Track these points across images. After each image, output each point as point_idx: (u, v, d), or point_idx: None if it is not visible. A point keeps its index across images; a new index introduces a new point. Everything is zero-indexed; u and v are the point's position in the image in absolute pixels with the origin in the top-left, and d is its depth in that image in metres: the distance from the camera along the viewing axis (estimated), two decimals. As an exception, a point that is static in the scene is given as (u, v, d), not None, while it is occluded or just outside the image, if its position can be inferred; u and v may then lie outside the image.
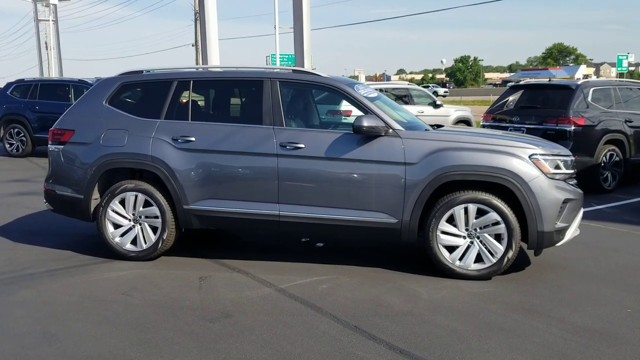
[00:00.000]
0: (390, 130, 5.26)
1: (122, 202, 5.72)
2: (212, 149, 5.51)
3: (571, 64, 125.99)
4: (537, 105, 10.23)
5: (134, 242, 5.73)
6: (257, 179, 5.44)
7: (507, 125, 10.36)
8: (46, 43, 44.30)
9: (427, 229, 5.21)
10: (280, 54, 28.71)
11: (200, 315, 4.35)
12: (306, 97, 6.18)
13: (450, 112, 16.14)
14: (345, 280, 5.14)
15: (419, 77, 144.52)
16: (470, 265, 5.18)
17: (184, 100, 5.82)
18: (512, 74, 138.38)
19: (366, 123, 5.15)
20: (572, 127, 9.51)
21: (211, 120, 5.70)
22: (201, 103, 5.90)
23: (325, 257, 5.82)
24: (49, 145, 6.02)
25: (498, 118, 10.78)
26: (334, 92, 5.58)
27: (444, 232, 5.20)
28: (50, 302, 4.62)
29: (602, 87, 10.27)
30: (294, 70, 5.73)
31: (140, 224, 5.71)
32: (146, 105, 5.88)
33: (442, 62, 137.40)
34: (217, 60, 18.66)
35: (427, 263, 5.36)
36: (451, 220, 5.20)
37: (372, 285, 5.03)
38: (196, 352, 3.72)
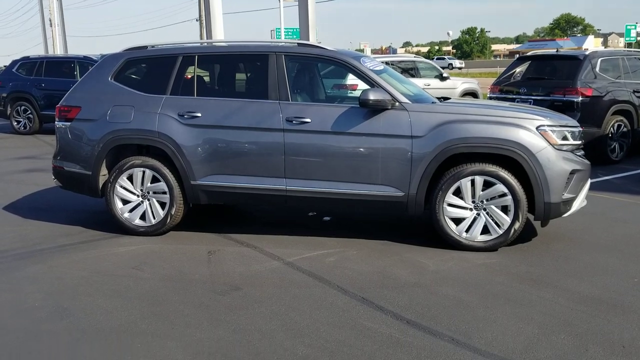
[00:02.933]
0: (397, 103, 5.24)
1: (130, 178, 5.75)
2: (218, 124, 5.51)
3: (579, 35, 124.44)
4: (545, 76, 10.15)
5: (143, 217, 5.77)
6: (264, 154, 5.45)
7: (514, 97, 10.29)
8: (50, 20, 44.07)
9: (433, 201, 5.22)
10: (285, 28, 28.49)
11: (210, 288, 4.40)
12: (312, 71, 6.16)
13: (457, 84, 16.02)
14: (353, 253, 5.18)
15: (425, 49, 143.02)
16: (477, 237, 5.21)
17: (189, 76, 5.81)
18: (519, 45, 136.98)
19: (372, 96, 5.13)
20: (580, 98, 9.44)
21: (217, 96, 5.70)
22: (207, 78, 5.89)
23: (332, 231, 5.85)
24: (56, 122, 6.04)
25: (505, 90, 10.70)
26: (340, 65, 5.56)
27: (450, 205, 5.21)
28: (61, 277, 4.68)
29: (610, 57, 10.16)
30: (299, 44, 5.70)
31: (148, 200, 5.75)
32: (152, 81, 5.88)
33: (448, 34, 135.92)
34: (222, 35, 18.54)
35: (434, 236, 5.39)
36: (457, 193, 5.20)
37: (378, 257, 5.06)
38: (206, 324, 3.77)
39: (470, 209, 5.21)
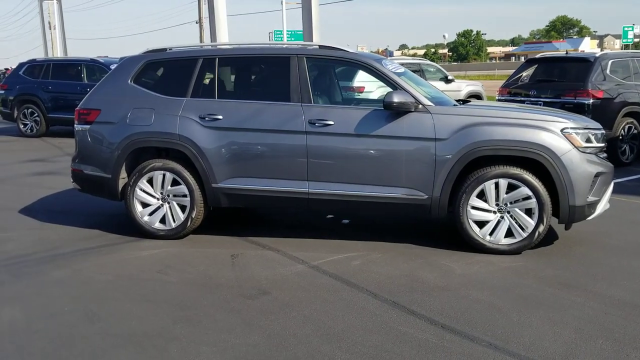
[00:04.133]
0: (420, 106, 5.23)
1: (150, 181, 5.72)
2: (239, 126, 5.49)
3: (575, 37, 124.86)
4: (555, 78, 10.16)
5: (163, 220, 5.74)
6: (286, 157, 5.43)
7: (523, 99, 10.29)
8: (49, 22, 44.02)
9: (457, 204, 5.20)
10: (287, 30, 28.47)
11: (238, 292, 4.37)
12: (331, 73, 6.14)
13: (462, 87, 16.04)
14: (377, 257, 5.16)
15: (421, 52, 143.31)
16: (501, 240, 5.19)
17: (210, 79, 5.78)
18: (515, 47, 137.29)
19: (396, 99, 5.12)
20: (591, 100, 9.45)
21: (238, 98, 5.67)
22: (227, 81, 5.86)
23: (353, 234, 5.83)
24: (75, 125, 6.02)
25: (514, 92, 10.71)
26: (362, 68, 5.54)
27: (474, 208, 5.20)
28: (87, 281, 4.65)
29: (620, 59, 10.18)
30: (320, 46, 5.68)
31: (168, 203, 5.72)
32: (172, 83, 5.85)
33: (444, 36, 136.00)
34: (226, 37, 18.54)
35: (457, 238, 5.37)
36: (481, 196, 5.19)
37: (404, 261, 5.04)
38: (240, 329, 3.75)
39: (494, 212, 5.20)
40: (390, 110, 5.18)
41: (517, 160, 5.15)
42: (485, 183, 5.14)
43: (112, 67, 13.63)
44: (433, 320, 3.84)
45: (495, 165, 5.14)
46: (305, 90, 5.44)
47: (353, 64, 5.58)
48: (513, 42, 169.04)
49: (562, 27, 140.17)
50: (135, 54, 6.11)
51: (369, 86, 13.42)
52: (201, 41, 47.72)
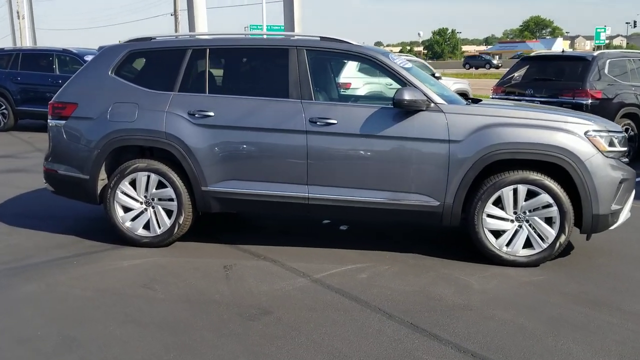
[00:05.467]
0: (432, 104, 4.79)
1: (133, 184, 5.19)
2: (233, 125, 5.00)
3: (548, 37, 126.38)
4: (552, 77, 9.83)
5: (147, 226, 5.22)
6: (284, 158, 4.95)
7: (519, 98, 9.95)
8: (18, 12, 42.63)
9: (471, 212, 4.78)
10: (267, 25, 27.77)
11: (236, 311, 3.88)
12: (332, 68, 5.66)
13: (449, 84, 15.66)
14: (384, 269, 4.71)
15: (396, 49, 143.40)
16: (519, 251, 4.79)
17: (200, 72, 5.27)
18: (489, 47, 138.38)
19: (408, 96, 4.67)
20: (589, 101, 9.16)
21: (231, 93, 5.16)
22: (219, 74, 5.34)
23: (353, 242, 5.38)
24: (48, 120, 5.45)
25: (509, 91, 10.37)
26: (368, 62, 5.08)
27: (490, 216, 4.78)
28: (63, 298, 4.11)
29: (618, 58, 9.91)
30: (322, 38, 5.19)
31: (153, 207, 5.20)
32: (157, 76, 5.32)
33: (419, 34, 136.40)
34: (205, 30, 17.92)
35: (466, 248, 4.98)
36: (497, 203, 4.78)
37: (414, 274, 4.61)
38: (243, 358, 3.26)
39: (512, 221, 4.79)
40: (400, 109, 4.73)
41: (536, 165, 4.75)
42: (502, 189, 4.72)
43: (87, 58, 13.04)
44: (461, 347, 3.41)
45: (513, 170, 4.73)
46: (305, 86, 4.96)
47: (358, 57, 5.12)
48: (487, 41, 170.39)
49: (535, 27, 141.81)
50: (116, 43, 5.55)
51: (355, 83, 13.00)
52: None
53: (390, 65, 4.97)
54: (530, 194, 4.73)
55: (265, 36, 5.32)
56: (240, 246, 5.28)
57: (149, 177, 5.15)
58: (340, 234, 5.75)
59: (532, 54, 10.73)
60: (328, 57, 5.42)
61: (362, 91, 11.90)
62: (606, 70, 9.49)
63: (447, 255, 5.03)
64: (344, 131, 4.84)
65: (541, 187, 4.68)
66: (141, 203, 5.22)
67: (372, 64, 5.04)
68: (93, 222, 5.96)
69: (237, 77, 5.40)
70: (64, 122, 5.31)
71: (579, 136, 4.68)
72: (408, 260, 4.92)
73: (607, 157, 4.72)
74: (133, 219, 5.23)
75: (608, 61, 9.60)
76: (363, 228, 5.89)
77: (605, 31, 57.69)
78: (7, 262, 4.80)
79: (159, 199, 5.18)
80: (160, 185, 5.16)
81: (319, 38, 5.20)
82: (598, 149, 4.68)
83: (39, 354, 3.31)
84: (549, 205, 4.70)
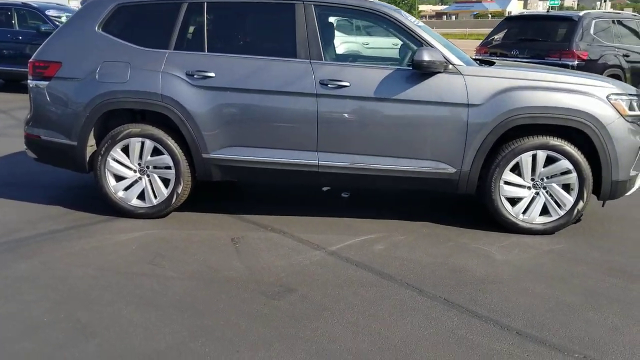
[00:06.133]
0: (450, 66, 4.53)
1: (125, 150, 4.81)
2: (236, 86, 4.64)
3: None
4: (537, 37, 9.67)
5: (141, 196, 4.86)
6: (292, 123, 4.64)
7: (502, 59, 9.77)
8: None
9: (488, 179, 4.60)
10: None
11: (257, 289, 3.62)
12: (342, 25, 5.30)
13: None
14: (399, 239, 4.51)
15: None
16: (535, 218, 4.65)
17: (194, 30, 4.85)
18: (445, 6, 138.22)
19: (427, 57, 4.40)
20: (576, 62, 9.07)
21: (233, 52, 4.78)
22: (219, 31, 4.92)
23: (358, 211, 5.14)
24: (29, 81, 4.97)
25: (492, 52, 10.19)
26: (381, 20, 4.75)
27: (507, 183, 4.61)
28: (64, 276, 3.76)
29: (603, 19, 9.82)
30: (329, -8, 4.82)
31: (148, 176, 4.83)
32: (150, 32, 4.89)
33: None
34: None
35: (476, 215, 4.85)
36: (514, 169, 4.60)
37: (431, 244, 4.42)
38: (278, 344, 3.02)
39: (529, 188, 4.63)
40: (419, 70, 4.45)
41: (554, 130, 4.57)
42: (521, 155, 4.54)
43: (48, 12, 12.24)
44: (504, 325, 3.24)
45: (531, 135, 4.54)
46: (314, 45, 4.63)
47: (370, 14, 4.77)
48: (442, 0, 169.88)
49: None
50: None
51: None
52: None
53: (406, 24, 4.67)
54: (550, 160, 4.56)
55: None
56: (243, 216, 4.98)
57: (143, 143, 4.77)
58: (344, 202, 5.51)
59: (515, 13, 10.52)
60: (337, 13, 5.07)
61: (340, 50, 11.53)
62: (591, 31, 9.40)
63: (459, 223, 4.86)
64: (357, 94, 4.55)
65: (561, 153, 4.52)
66: (135, 171, 4.84)
67: (387, 22, 4.72)
68: (80, 190, 5.56)
69: (238, 34, 5.01)
70: (46, 82, 4.85)
71: (601, 100, 4.51)
72: (421, 230, 4.73)
73: (627, 121, 4.57)
74: (126, 189, 4.86)
75: (593, 22, 9.49)
76: (365, 195, 5.65)
77: (559, -9, 58.30)
78: (-7, 238, 4.39)
79: (155, 167, 4.82)
80: (156, 152, 4.79)
81: (326, -8, 4.82)
82: (620, 112, 4.53)
83: (50, 344, 2.99)
84: (567, 172, 4.55)
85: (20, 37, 11.98)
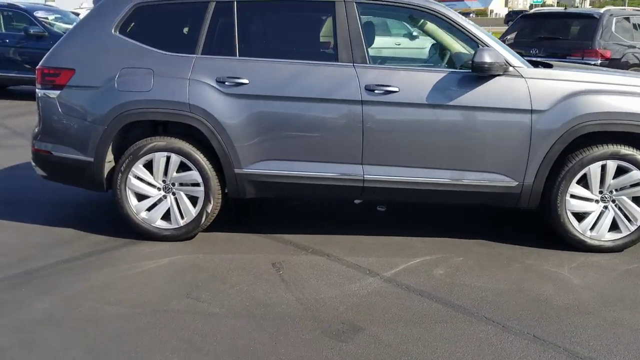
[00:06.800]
0: (511, 68, 4.10)
1: (148, 166, 4.31)
2: (272, 94, 4.17)
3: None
4: (558, 36, 9.28)
5: (166, 217, 4.37)
6: (335, 133, 4.18)
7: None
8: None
9: (553, 192, 4.18)
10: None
11: (318, 328, 3.16)
12: (385, 25, 4.85)
13: (426, 44, 14.97)
14: (458, 261, 4.07)
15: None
16: (604, 235, 4.23)
17: (223, 33, 4.37)
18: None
19: (488, 59, 3.97)
20: (599, 61, 8.68)
21: (267, 56, 4.31)
22: (252, 33, 4.45)
23: (401, 228, 4.70)
24: (37, 90, 4.45)
25: (510, 50, 9.77)
26: (434, 18, 4.30)
27: (573, 196, 4.18)
28: (93, 317, 3.26)
29: (623, 17, 9.46)
30: (371, -11, 4.37)
31: (173, 194, 4.34)
32: (174, 35, 4.42)
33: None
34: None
35: (531, 230, 4.42)
36: (580, 181, 4.18)
37: (496, 267, 3.99)
38: (363, 401, 2.55)
39: (597, 201, 4.21)
40: (480, 73, 4.02)
41: (623, 138, 4.16)
42: (590, 166, 4.13)
43: (37, 14, 11.64)
44: (616, 369, 2.80)
45: (601, 143, 4.12)
46: (357, 47, 4.17)
47: (422, 13, 4.33)
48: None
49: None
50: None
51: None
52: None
53: (461, 23, 4.24)
54: (619, 171, 4.15)
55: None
56: (277, 236, 4.51)
57: (168, 158, 4.28)
58: (382, 217, 5.05)
59: (532, 11, 10.16)
60: (382, 12, 4.62)
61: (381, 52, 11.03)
62: (613, 29, 9.03)
63: (517, 240, 4.43)
64: (407, 100, 4.11)
65: (633, 163, 4.11)
66: (159, 189, 4.35)
67: (440, 21, 4.28)
68: (90, 209, 5.06)
69: (273, 36, 4.55)
70: (58, 92, 4.34)
71: (676, 104, 4.10)
72: (478, 249, 4.29)
73: (700, 127, 4.17)
74: (149, 209, 4.37)
75: (615, 19, 9.14)
76: (406, 209, 5.20)
77: (543, -11, 58.47)
78: (3, 268, 3.87)
79: (181, 184, 4.34)
80: (183, 168, 4.30)
81: (368, -11, 4.37)
82: (693, 119, 4.12)
83: (91, 407, 2.50)
84: (639, 184, 4.13)
85: (7, 40, 11.37)
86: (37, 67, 4.46)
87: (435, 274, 3.86)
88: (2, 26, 11.56)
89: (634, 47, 9.28)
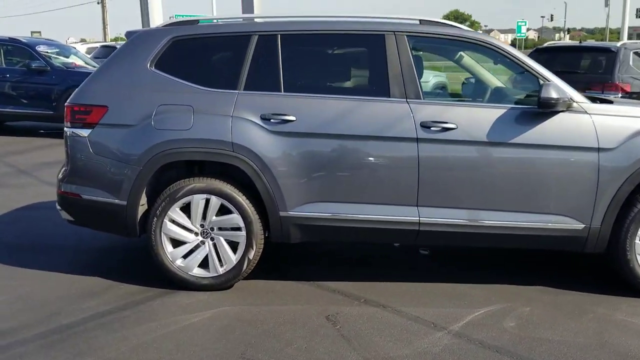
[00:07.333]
0: (574, 103, 3.87)
1: (185, 209, 4.00)
2: (321, 132, 3.91)
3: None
4: (575, 70, 9.15)
5: (203, 264, 4.04)
6: (389, 173, 3.92)
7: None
8: None
9: (622, 236, 3.91)
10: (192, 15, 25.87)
11: (398, 395, 2.82)
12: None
13: (429, 77, 14.88)
14: (525, 312, 3.77)
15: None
16: (678, 280, 3.96)
17: (266, 68, 4.12)
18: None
19: (555, 94, 3.76)
20: (620, 94, 8.52)
21: (313, 92, 4.05)
22: (297, 68, 4.18)
23: (454, 273, 4.43)
24: (66, 129, 4.14)
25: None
26: (488, 51, 4.08)
27: (642, 240, 3.92)
28: (141, 384, 2.91)
29: (639, 50, 9.36)
30: (421, 21, 4.15)
31: (212, 239, 4.02)
32: (214, 69, 4.18)
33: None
34: (160, 13, 16.34)
35: (587, 273, 4.12)
36: (646, 223, 3.92)
37: (568, 317, 3.69)
38: None
39: (664, 245, 3.95)
40: (547, 109, 3.78)
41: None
42: (660, 207, 3.87)
43: (39, 48, 11.36)
44: None
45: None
46: (410, 81, 3.93)
47: (475, 45, 4.11)
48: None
49: (455, 21, 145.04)
50: (153, 27, 4.31)
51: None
52: (104, 24, 44.07)
53: (516, 56, 4.03)
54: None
55: (351, 19, 4.20)
56: (319, 283, 4.20)
57: (207, 200, 3.97)
58: (428, 262, 4.75)
59: (546, 44, 10.06)
60: (433, 45, 4.39)
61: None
62: (631, 62, 8.93)
63: (578, 287, 4.16)
64: (466, 138, 3.85)
65: (693, 203, 3.87)
66: (196, 234, 4.03)
67: (493, 53, 4.06)
68: (116, 255, 4.73)
69: (318, 70, 4.29)
70: (89, 131, 4.03)
71: None
72: (542, 297, 4.00)
73: None
74: (185, 256, 4.04)
75: (632, 52, 9.04)
76: (453, 253, 4.90)
77: (525, 24, 59.50)
78: (31, 326, 3.51)
79: (220, 228, 4.02)
80: (221, 211, 3.99)
81: (418, 21, 4.16)
82: None
83: None
84: None
85: (8, 75, 11.07)
86: (66, 103, 4.17)
87: (506, 326, 3.55)
88: (3, 60, 11.26)
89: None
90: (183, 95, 3.99)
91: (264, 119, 3.89)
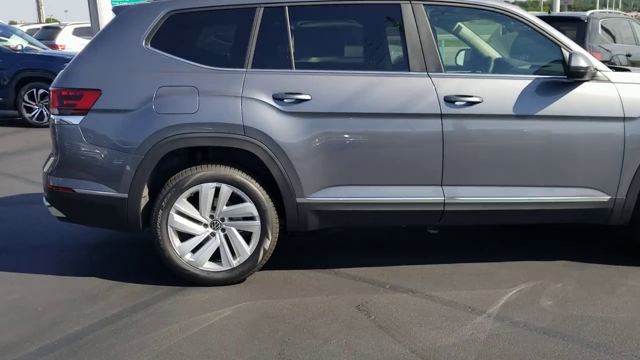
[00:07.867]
0: (599, 73, 3.74)
1: (193, 200, 3.68)
2: (338, 111, 3.64)
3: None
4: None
5: (214, 257, 3.75)
6: (411, 152, 3.70)
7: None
8: None
9: (645, 207, 3.82)
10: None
11: (462, 389, 2.63)
12: (456, 29, 4.39)
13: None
14: (558, 288, 3.65)
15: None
16: (699, 249, 3.92)
17: (275, 43, 3.81)
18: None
19: (584, 63, 3.61)
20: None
21: (327, 68, 3.78)
22: (308, 42, 3.88)
23: (467, 252, 4.28)
24: (53, 117, 3.73)
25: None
26: (510, 19, 3.89)
27: (667, 209, 3.85)
28: (179, 396, 2.62)
29: (608, 19, 9.46)
30: (436, -11, 3.91)
31: (223, 230, 3.72)
32: (217, 46, 3.86)
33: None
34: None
35: (602, 243, 4.05)
36: (672, 193, 3.85)
37: (602, 292, 3.60)
38: None
39: (692, 214, 3.89)
40: (577, 79, 3.64)
41: None
42: (685, 176, 3.80)
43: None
44: None
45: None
46: (430, 53, 3.71)
47: (496, 14, 3.91)
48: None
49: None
50: (144, 1, 3.93)
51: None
52: (38, 5, 41.98)
53: (541, 25, 3.84)
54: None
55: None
56: (338, 270, 3.97)
57: (218, 189, 3.66)
58: (438, 241, 4.58)
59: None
60: (452, 15, 4.15)
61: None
62: (599, 32, 8.97)
63: (601, 259, 4.09)
64: (493, 112, 3.67)
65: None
66: (205, 226, 3.72)
67: (517, 22, 3.86)
68: (110, 251, 4.36)
69: (331, 45, 4.01)
70: (81, 118, 3.64)
71: None
72: (569, 272, 3.89)
73: None
74: (195, 250, 3.73)
75: (600, 22, 9.09)
76: (451, 231, 4.74)
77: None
78: (33, 338, 3.14)
79: (231, 219, 3.72)
80: (234, 200, 3.69)
81: (433, -11, 3.91)
82: None
83: None
84: None
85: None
86: (51, 88, 3.75)
87: (544, 305, 3.42)
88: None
89: (618, 49, 9.26)
90: (185, 75, 3.64)
91: (277, 98, 3.59)
